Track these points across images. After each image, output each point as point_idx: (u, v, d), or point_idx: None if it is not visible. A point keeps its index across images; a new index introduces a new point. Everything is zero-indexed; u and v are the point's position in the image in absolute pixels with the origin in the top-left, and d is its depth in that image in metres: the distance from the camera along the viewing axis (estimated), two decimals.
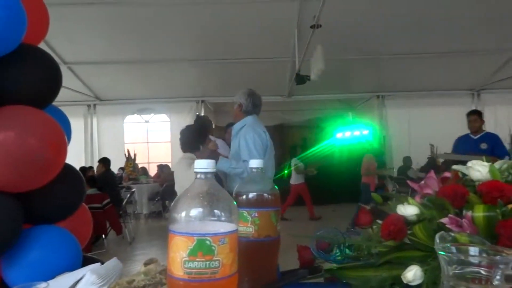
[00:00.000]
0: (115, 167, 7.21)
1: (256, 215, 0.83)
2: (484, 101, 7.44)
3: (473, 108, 6.92)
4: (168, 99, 7.54)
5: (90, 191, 4.90)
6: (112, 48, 5.67)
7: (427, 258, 0.92)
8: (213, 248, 0.56)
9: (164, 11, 4.75)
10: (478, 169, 0.99)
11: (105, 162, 5.95)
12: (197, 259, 0.56)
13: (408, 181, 1.12)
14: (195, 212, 0.57)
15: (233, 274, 0.58)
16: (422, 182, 1.07)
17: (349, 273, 1.05)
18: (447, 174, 1.06)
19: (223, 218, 0.58)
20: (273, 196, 0.86)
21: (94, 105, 7.72)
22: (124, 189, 6.38)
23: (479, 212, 0.91)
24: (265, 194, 0.85)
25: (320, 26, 4.34)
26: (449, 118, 7.06)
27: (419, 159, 6.82)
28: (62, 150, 1.19)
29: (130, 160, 7.48)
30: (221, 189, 0.61)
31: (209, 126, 3.40)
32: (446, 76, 6.73)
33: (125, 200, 5.82)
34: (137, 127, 8.32)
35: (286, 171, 7.91)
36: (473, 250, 0.57)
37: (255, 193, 0.85)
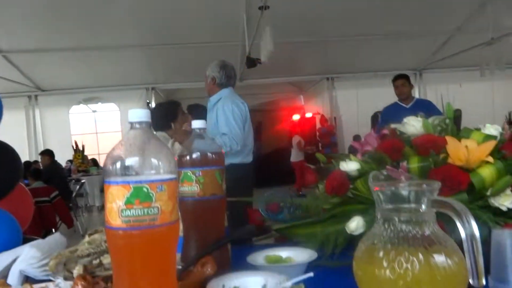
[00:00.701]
0: (62, 160, 6.88)
1: (200, 174, 0.83)
2: (426, 80, 7.85)
3: (416, 86, 7.29)
4: (116, 87, 7.27)
5: (36, 184, 4.66)
6: (52, 35, 5.36)
7: (368, 210, 0.96)
8: (151, 195, 0.55)
9: None
10: (413, 124, 1.05)
11: (48, 153, 5.67)
12: (135, 207, 0.54)
13: (352, 142, 1.16)
14: (131, 161, 0.56)
15: (174, 222, 0.58)
16: (362, 139, 1.11)
17: (297, 230, 1.08)
18: (385, 131, 1.11)
19: (160, 166, 0.57)
20: (217, 155, 0.86)
21: (36, 96, 7.29)
22: (73, 181, 6.13)
23: (414, 163, 0.97)
24: (209, 153, 0.85)
25: (268, 7, 4.35)
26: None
27: None
28: None
29: (78, 152, 7.17)
30: (157, 138, 0.60)
31: (179, 104, 3.31)
32: (390, 57, 7.01)
33: (74, 193, 5.58)
34: (84, 118, 7.97)
35: None
36: (403, 184, 0.61)
37: (198, 153, 0.84)
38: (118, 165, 0.56)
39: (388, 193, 0.60)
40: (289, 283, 0.71)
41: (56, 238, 0.95)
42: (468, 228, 0.53)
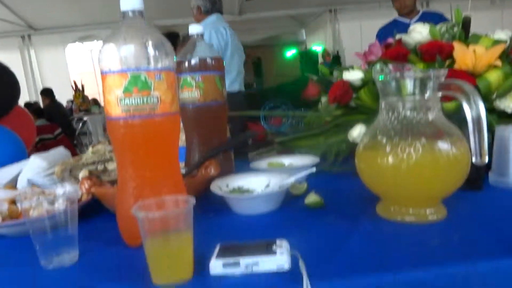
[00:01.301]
0: (62, 100, 6.82)
1: (200, 79, 0.82)
2: (433, 7, 7.52)
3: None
4: (112, 25, 7.01)
5: (39, 122, 4.65)
6: None
7: (371, 119, 0.96)
8: (149, 83, 0.54)
9: None
10: (420, 31, 1.01)
11: (48, 93, 5.60)
12: (134, 95, 0.53)
13: (355, 53, 1.13)
14: (127, 49, 0.53)
15: (174, 113, 0.57)
16: (366, 49, 1.08)
17: (300, 142, 1.09)
18: (390, 41, 1.07)
19: (158, 56, 0.55)
20: (216, 60, 0.84)
21: (29, 35, 7.06)
22: (76, 120, 6.13)
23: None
24: (208, 58, 0.83)
25: None
26: None
27: None
28: None
29: (78, 91, 7.10)
30: (153, 27, 0.57)
31: (177, 35, 3.18)
32: None
33: (77, 131, 5.60)
34: (82, 57, 7.79)
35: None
36: (409, 70, 0.59)
37: (197, 58, 0.82)
38: (114, 54, 0.54)
39: (393, 82, 0.59)
40: (292, 179, 0.72)
41: (60, 150, 0.96)
42: (475, 108, 0.52)
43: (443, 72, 0.57)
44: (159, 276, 0.48)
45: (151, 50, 0.55)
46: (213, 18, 2.66)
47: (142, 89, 0.54)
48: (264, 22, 8.08)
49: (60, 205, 0.64)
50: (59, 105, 5.72)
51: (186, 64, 0.82)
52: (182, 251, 0.49)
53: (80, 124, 5.81)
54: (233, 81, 2.69)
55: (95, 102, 7.38)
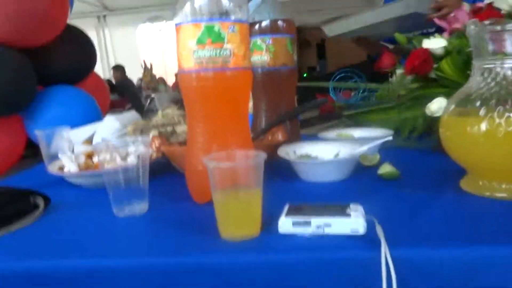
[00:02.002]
0: (133, 78, 7.19)
1: (270, 42, 0.79)
2: None
3: None
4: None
5: (111, 97, 4.93)
6: None
7: (453, 93, 0.88)
8: (223, 35, 0.52)
9: None
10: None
11: (120, 68, 5.90)
12: (207, 47, 0.52)
13: (436, 20, 1.03)
14: (199, 1, 0.52)
15: (247, 68, 0.55)
16: (450, 16, 0.98)
17: (370, 116, 1.03)
18: (480, 4, 0.96)
19: (231, 8, 0.53)
20: (287, 22, 0.80)
21: (104, 16, 7.48)
22: (144, 96, 6.43)
23: None
24: (279, 20, 0.79)
25: None
26: None
27: None
28: (63, 6, 1.13)
29: (147, 70, 7.42)
30: None
31: None
32: None
33: (145, 108, 5.87)
34: (151, 37, 8.10)
35: (305, 74, 7.71)
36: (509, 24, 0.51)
37: (268, 20, 0.79)
38: (188, 4, 0.53)
39: (491, 36, 0.52)
40: (365, 148, 0.67)
41: (132, 113, 0.99)
42: None
43: None
44: (227, 230, 0.48)
45: (225, 1, 0.53)
46: None
47: (216, 40, 0.52)
48: (330, 1, 7.82)
49: (132, 160, 0.66)
50: (130, 81, 6.01)
51: (257, 26, 0.80)
52: (251, 206, 0.48)
53: (148, 101, 6.08)
54: None
55: (162, 81, 7.67)
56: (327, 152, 0.72)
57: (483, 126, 0.51)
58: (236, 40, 0.53)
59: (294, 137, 0.84)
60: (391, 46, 1.03)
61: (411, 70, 0.93)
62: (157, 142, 0.72)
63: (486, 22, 0.52)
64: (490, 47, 0.53)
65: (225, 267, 0.43)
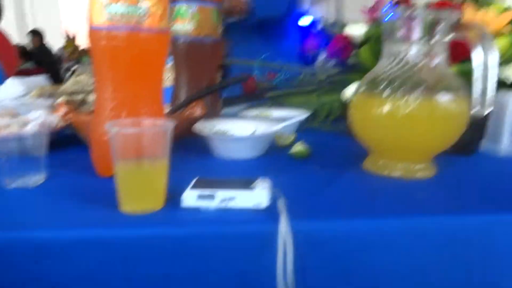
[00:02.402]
0: (53, 48, 6.62)
1: (195, 9, 0.76)
2: None
3: None
4: None
5: (26, 65, 4.51)
6: None
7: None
8: None
9: None
10: None
11: (38, 34, 5.37)
12: (120, 2, 0.48)
13: (360, 9, 1.07)
14: None
15: (164, 30, 0.52)
16: (371, 6, 1.02)
17: (292, 99, 1.05)
18: None
19: None
20: None
21: None
22: (64, 68, 5.96)
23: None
24: None
25: None
26: None
27: None
28: None
29: (69, 40, 6.86)
30: None
31: None
32: None
33: (65, 80, 5.45)
34: (76, 6, 7.49)
35: None
36: (421, 6, 0.54)
37: None
38: None
39: (400, 24, 0.55)
40: (280, 126, 0.68)
41: (40, 78, 0.91)
42: (486, 53, 0.48)
43: (457, 14, 0.53)
44: (127, 203, 0.45)
45: None
46: None
47: None
48: None
49: (31, 128, 0.60)
50: (48, 49, 5.52)
51: None
52: (155, 178, 0.46)
53: (69, 73, 5.66)
54: None
55: (86, 52, 7.17)
56: (244, 130, 0.72)
57: (384, 108, 0.53)
58: None
59: (214, 113, 0.82)
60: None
61: (332, 54, 0.96)
62: (63, 110, 0.66)
63: (399, 7, 0.55)
64: (400, 31, 0.55)
65: (123, 240, 0.41)
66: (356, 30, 0.94)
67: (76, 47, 7.12)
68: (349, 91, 0.91)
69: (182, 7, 0.75)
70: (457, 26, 0.52)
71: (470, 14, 0.87)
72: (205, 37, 0.77)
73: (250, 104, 1.04)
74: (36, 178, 0.54)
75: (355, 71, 0.98)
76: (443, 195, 0.51)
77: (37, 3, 7.02)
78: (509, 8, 0.90)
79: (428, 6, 0.92)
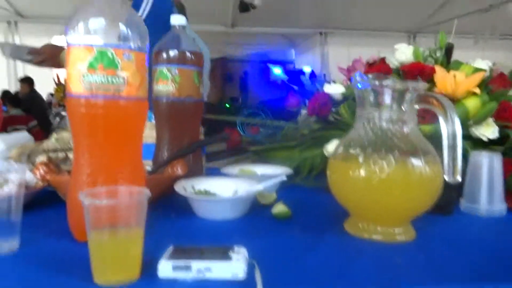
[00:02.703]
0: (43, 93, 6.66)
1: (176, 72, 0.78)
2: (420, 44, 7.72)
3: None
4: None
5: (14, 111, 4.51)
6: None
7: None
8: (117, 62, 0.50)
9: None
10: (403, 51, 1.01)
11: (28, 81, 5.41)
12: (98, 72, 0.50)
13: (338, 67, 1.12)
14: (96, 22, 0.50)
15: (141, 98, 0.53)
16: (350, 65, 1.07)
17: (275, 153, 1.06)
18: (374, 57, 1.07)
19: (129, 35, 0.51)
20: (196, 55, 0.81)
21: (15, 22, 6.89)
22: (54, 114, 5.96)
23: None
24: (187, 52, 0.79)
25: None
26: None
27: None
28: None
29: (60, 85, 6.93)
30: (129, 5, 0.54)
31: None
32: (385, 16, 6.83)
33: (54, 126, 5.44)
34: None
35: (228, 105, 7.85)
36: (388, 80, 0.57)
37: (175, 50, 0.79)
38: (81, 25, 0.50)
39: (372, 91, 0.57)
40: (261, 186, 0.69)
41: (23, 134, 0.90)
42: (451, 124, 0.51)
43: (422, 85, 0.56)
44: (101, 274, 0.44)
45: (122, 27, 0.51)
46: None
47: (108, 67, 0.50)
48: (255, 37, 8.14)
49: (8, 189, 0.59)
50: (38, 95, 5.54)
51: (164, 54, 0.79)
52: (130, 249, 0.45)
53: (58, 119, 5.65)
54: None
55: None
56: (225, 189, 0.72)
57: (361, 172, 0.54)
58: (131, 69, 0.52)
59: (196, 171, 0.83)
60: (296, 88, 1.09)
61: (312, 111, 0.99)
62: (42, 170, 0.66)
63: (369, 76, 0.57)
64: (371, 98, 0.58)
65: None
66: (335, 89, 0.98)
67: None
68: (330, 146, 0.93)
69: (164, 69, 0.78)
70: (423, 96, 0.54)
71: (441, 75, 0.92)
72: (186, 97, 0.79)
73: (235, 158, 1.05)
74: (10, 244, 0.53)
75: (336, 127, 1.01)
76: (423, 260, 0.51)
77: None
78: (479, 69, 0.95)
79: (401, 68, 0.97)
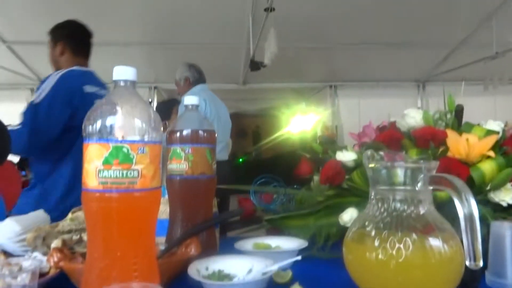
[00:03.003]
0: None
1: (190, 151, 0.80)
2: (429, 92, 7.80)
3: (419, 98, 7.31)
4: None
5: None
6: None
7: (363, 202, 0.93)
8: (131, 156, 0.52)
9: None
10: (413, 116, 1.02)
11: None
12: (113, 168, 0.51)
13: (349, 133, 1.13)
14: (111, 119, 0.52)
15: (155, 188, 0.54)
16: (361, 131, 1.08)
17: (289, 222, 1.04)
18: (385, 123, 1.08)
19: (144, 128, 0.54)
20: (208, 133, 0.83)
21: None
22: None
23: (412, 155, 0.94)
24: (200, 131, 0.82)
25: (274, 9, 4.33)
26: (396, 108, 7.38)
27: None
28: None
29: None
30: (141, 99, 0.57)
31: (174, 103, 3.28)
32: (394, 68, 6.97)
33: None
34: None
35: (241, 159, 7.91)
36: (400, 161, 0.57)
37: (189, 129, 0.81)
38: (98, 123, 0.53)
39: (384, 171, 0.57)
40: (276, 267, 0.67)
41: (39, 214, 0.92)
42: (467, 206, 0.50)
43: (434, 164, 0.56)
44: None
45: (137, 123, 0.54)
46: (198, 88, 2.73)
47: (123, 161, 0.52)
48: (266, 92, 8.35)
49: (23, 279, 0.59)
50: None
51: (178, 134, 0.81)
52: None
53: None
54: (220, 150, 2.62)
55: None
56: (240, 268, 0.71)
57: (378, 255, 0.53)
58: (145, 161, 0.53)
59: (210, 247, 0.82)
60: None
61: (325, 180, 0.98)
62: (56, 257, 0.66)
63: (381, 154, 0.58)
64: (383, 177, 0.57)
65: None
66: (347, 156, 0.98)
67: None
68: (346, 216, 0.91)
69: (177, 149, 0.80)
70: (435, 178, 0.54)
71: (453, 139, 0.92)
72: (199, 175, 0.80)
73: (250, 228, 1.04)
74: None
75: (351, 193, 1.00)
76: None
77: None
78: (491, 131, 0.95)
79: (412, 133, 0.97)
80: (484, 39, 5.58)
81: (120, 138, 0.52)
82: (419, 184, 0.55)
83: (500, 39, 5.48)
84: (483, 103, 7.37)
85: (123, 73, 0.55)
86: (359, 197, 0.96)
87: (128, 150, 0.52)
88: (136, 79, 0.56)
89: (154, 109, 2.99)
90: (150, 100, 7.24)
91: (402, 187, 0.55)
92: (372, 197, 0.60)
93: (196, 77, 2.79)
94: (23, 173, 4.88)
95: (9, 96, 7.40)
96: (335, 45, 6.23)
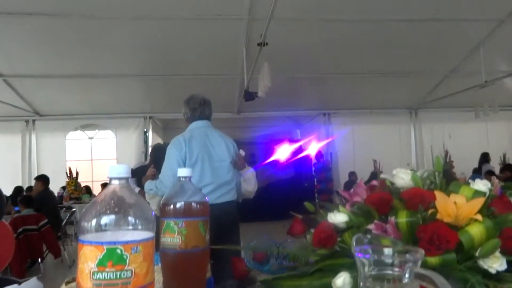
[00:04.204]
0: (56, 186, 6.80)
1: (183, 225, 0.81)
2: (422, 119, 7.93)
3: (411, 125, 7.40)
4: (114, 115, 7.29)
5: (25, 211, 4.57)
6: (52, 61, 5.42)
7: (356, 265, 0.94)
8: (125, 257, 0.53)
9: (107, 25, 4.64)
10: (402, 177, 1.04)
11: (43, 180, 5.57)
12: (107, 269, 0.52)
13: (339, 190, 1.15)
14: (106, 219, 0.54)
15: (148, 284, 0.56)
16: (352, 190, 1.10)
17: (284, 283, 1.05)
18: (374, 183, 1.10)
19: (137, 226, 0.55)
20: (201, 205, 0.84)
21: (33, 120, 7.29)
22: (64, 209, 6.01)
23: (402, 218, 0.95)
24: (193, 203, 0.83)
25: (267, 44, 4.44)
26: (389, 135, 7.49)
27: (363, 174, 7.11)
28: None
29: (71, 178, 7.08)
30: (136, 195, 0.58)
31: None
32: (386, 95, 7.11)
33: (64, 221, 5.46)
34: (80, 144, 7.93)
35: None
36: (387, 251, 0.59)
37: (182, 202, 0.83)
38: (93, 223, 0.54)
39: (371, 259, 0.59)
40: None
41: (32, 284, 0.91)
42: None
43: (420, 255, 0.57)
44: None
45: (131, 221, 0.55)
46: (193, 125, 2.70)
47: (117, 263, 0.53)
48: (261, 120, 8.44)
49: None
50: (50, 194, 5.65)
51: (171, 207, 0.83)
52: None
53: (68, 214, 5.69)
54: (208, 193, 2.48)
55: (88, 190, 7.33)
56: None
57: None
58: (138, 260, 0.54)
59: None
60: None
61: (318, 243, 1.00)
62: None
63: (366, 245, 0.59)
64: (372, 266, 0.59)
65: None
66: (338, 218, 0.99)
67: (78, 185, 7.33)
68: (339, 281, 0.92)
69: (170, 223, 0.81)
70: (418, 274, 0.55)
71: (442, 200, 0.94)
72: (192, 248, 0.81)
73: None
74: None
75: (343, 254, 1.01)
76: None
77: (43, 143, 7.43)
78: (479, 191, 0.97)
79: (401, 194, 0.99)
80: (473, 67, 5.73)
81: (113, 240, 0.53)
82: (407, 275, 0.56)
83: (488, 67, 5.63)
84: (476, 128, 7.52)
85: (117, 171, 0.57)
86: (352, 258, 0.97)
87: (121, 251, 0.53)
88: (129, 175, 0.58)
89: (150, 151, 3.02)
90: (145, 130, 7.29)
91: (390, 275, 0.57)
92: (361, 285, 0.61)
93: (188, 115, 2.75)
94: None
95: (4, 127, 7.44)
96: (328, 74, 6.36)
